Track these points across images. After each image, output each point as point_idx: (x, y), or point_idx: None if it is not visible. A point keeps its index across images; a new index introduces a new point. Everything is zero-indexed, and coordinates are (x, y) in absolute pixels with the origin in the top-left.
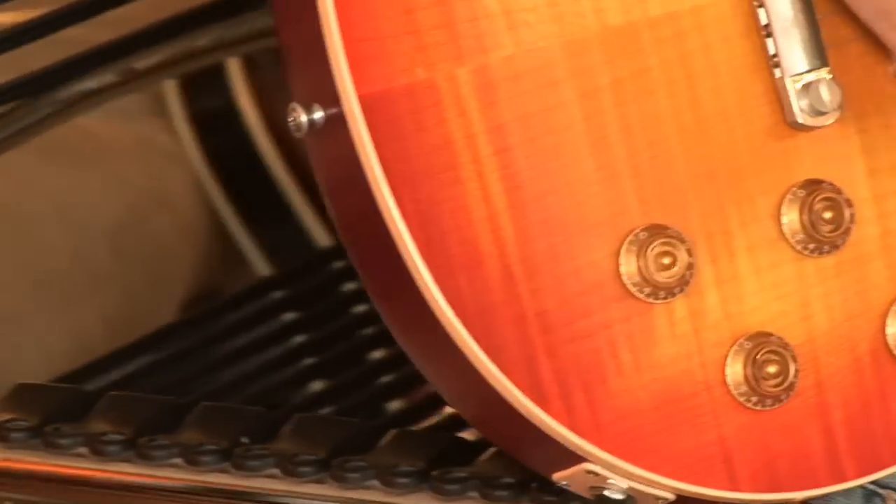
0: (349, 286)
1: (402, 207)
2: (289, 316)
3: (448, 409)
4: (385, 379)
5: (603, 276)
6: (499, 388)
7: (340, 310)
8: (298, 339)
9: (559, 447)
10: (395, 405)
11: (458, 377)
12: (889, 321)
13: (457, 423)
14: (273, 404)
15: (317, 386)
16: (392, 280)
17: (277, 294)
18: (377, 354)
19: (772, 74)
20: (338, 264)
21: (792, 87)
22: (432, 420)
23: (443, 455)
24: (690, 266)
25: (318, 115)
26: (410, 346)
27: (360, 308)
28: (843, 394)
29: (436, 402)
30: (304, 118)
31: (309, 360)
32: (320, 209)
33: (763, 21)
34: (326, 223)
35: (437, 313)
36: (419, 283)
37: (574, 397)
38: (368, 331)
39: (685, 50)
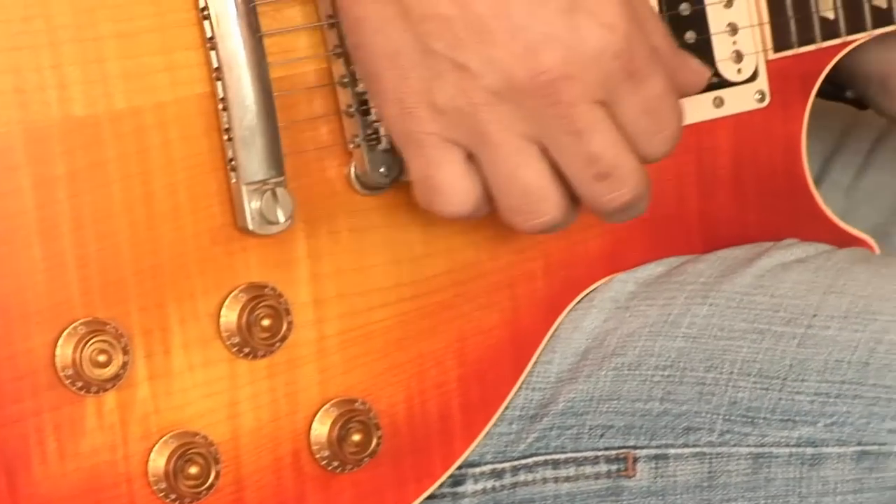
0: None
1: None
2: None
3: None
4: None
5: (38, 364)
6: None
7: None
8: None
9: None
10: None
11: None
12: (315, 424)
13: None
14: None
15: None
16: None
17: None
18: None
19: (228, 178)
20: None
21: (246, 194)
22: None
23: None
24: (125, 364)
25: None
26: None
27: None
28: (261, 492)
29: None
30: None
31: None
32: None
33: (224, 125)
34: None
35: None
36: None
37: None
38: None
39: (144, 145)
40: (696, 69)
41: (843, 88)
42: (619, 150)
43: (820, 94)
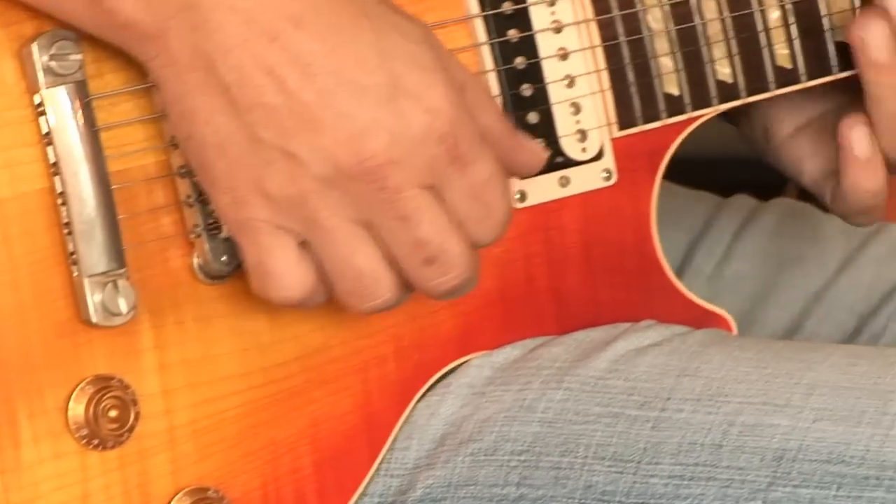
0: None
1: None
2: None
3: None
4: None
5: None
6: None
7: None
8: None
9: None
10: None
11: None
12: None
13: None
14: None
15: None
16: None
17: None
18: None
19: (70, 271)
20: None
21: (88, 287)
22: None
23: None
24: None
25: None
26: None
27: None
28: None
29: None
30: None
31: None
32: None
33: (64, 219)
34: None
35: None
36: None
37: None
38: None
39: None
40: (532, 150)
41: None
42: (446, 235)
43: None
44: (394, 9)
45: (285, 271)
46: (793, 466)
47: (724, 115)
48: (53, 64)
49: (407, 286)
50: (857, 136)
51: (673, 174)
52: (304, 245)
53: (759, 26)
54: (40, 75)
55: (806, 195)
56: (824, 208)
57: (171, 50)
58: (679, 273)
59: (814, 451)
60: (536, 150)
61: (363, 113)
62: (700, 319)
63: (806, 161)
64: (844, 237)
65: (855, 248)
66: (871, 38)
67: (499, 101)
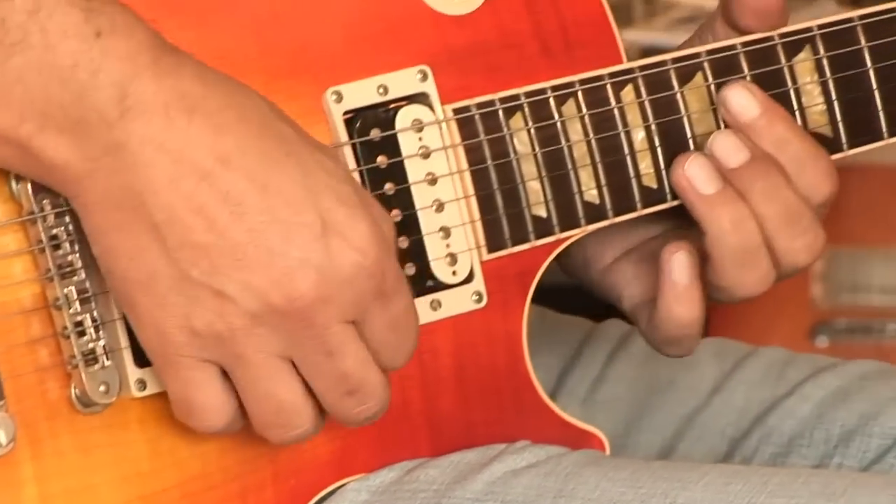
0: None
1: None
2: None
3: None
4: None
5: None
6: None
7: None
8: None
9: None
10: None
11: None
12: None
13: None
14: None
15: None
16: None
17: None
18: None
19: None
20: None
21: None
22: None
23: None
24: None
25: None
26: None
27: None
28: None
29: None
30: None
31: None
32: None
33: None
34: None
35: None
36: None
37: None
38: None
39: None
40: None
41: None
42: (366, 366)
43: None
44: (316, 145)
45: (208, 404)
46: None
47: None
48: None
49: (323, 417)
50: (677, 263)
51: (546, 300)
52: (225, 375)
53: (625, 148)
54: None
55: None
56: None
57: (98, 189)
58: (553, 396)
59: None
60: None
61: (293, 252)
62: (574, 439)
63: (626, 287)
64: (716, 361)
65: (727, 371)
66: (695, 174)
67: None
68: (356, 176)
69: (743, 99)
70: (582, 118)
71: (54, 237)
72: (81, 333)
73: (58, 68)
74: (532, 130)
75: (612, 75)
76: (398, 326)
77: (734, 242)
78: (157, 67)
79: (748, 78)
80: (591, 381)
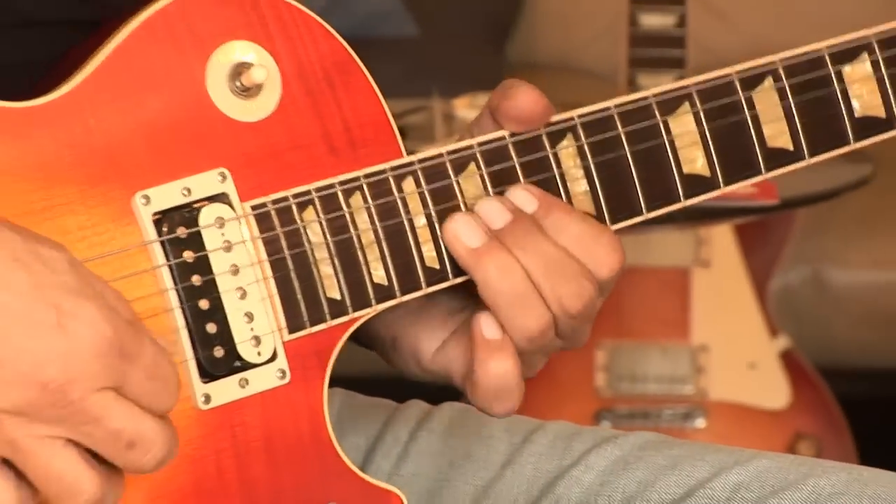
0: None
1: None
2: None
3: None
4: None
5: None
6: None
7: None
8: None
9: None
10: None
11: None
12: None
13: None
14: None
15: None
16: None
17: None
18: None
19: None
20: None
21: None
22: None
23: None
24: None
25: None
26: None
27: None
28: None
29: None
30: None
31: None
32: None
33: None
34: None
35: None
36: None
37: None
38: None
39: None
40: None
41: None
42: (136, 418)
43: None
44: (36, 239)
45: None
46: None
47: (383, 355)
48: None
49: (114, 476)
50: (484, 321)
51: (354, 387)
52: (7, 463)
53: (409, 233)
54: None
55: None
56: None
57: None
58: (362, 470)
59: None
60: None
61: (36, 345)
62: (377, 499)
63: (453, 364)
64: (508, 434)
65: (517, 444)
66: (461, 229)
67: (179, 313)
68: (165, 271)
69: (521, 196)
70: (368, 208)
71: None
72: None
73: None
74: (323, 222)
75: (393, 168)
76: (154, 374)
77: (503, 288)
78: None
79: (517, 165)
80: (396, 457)
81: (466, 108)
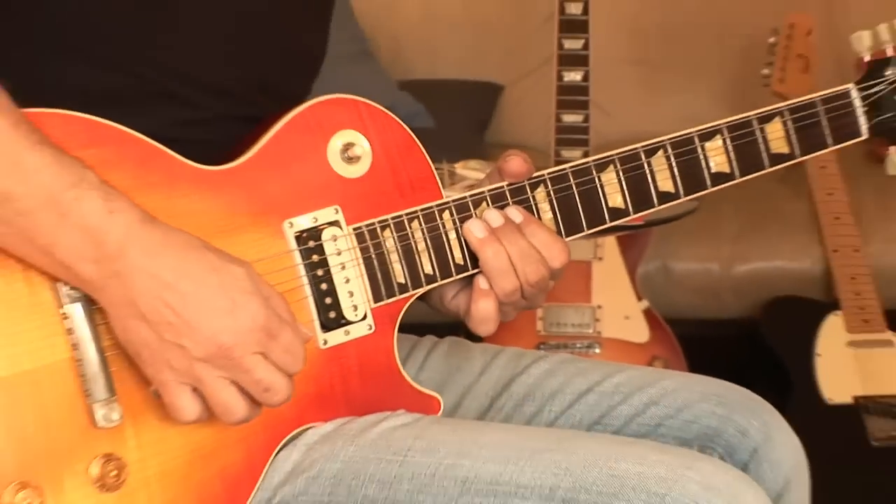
0: None
1: None
2: None
3: None
4: None
5: None
6: None
7: None
8: None
9: None
10: None
11: None
12: None
13: None
14: None
15: None
16: None
17: None
18: None
19: (85, 398)
20: None
21: (97, 408)
22: None
23: None
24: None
25: None
26: None
27: None
28: None
29: None
30: None
31: None
32: None
33: (81, 372)
34: None
35: None
36: None
37: None
38: None
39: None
40: (301, 330)
41: None
42: (272, 374)
43: None
44: (228, 258)
45: (185, 406)
46: (472, 487)
47: (427, 302)
48: None
49: (255, 406)
50: (480, 279)
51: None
52: (195, 390)
53: (447, 245)
54: None
55: (468, 335)
56: (470, 336)
57: (110, 295)
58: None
59: (483, 477)
60: (305, 330)
61: (218, 322)
62: (424, 401)
63: (461, 306)
64: (482, 355)
65: (488, 360)
66: (473, 226)
67: (309, 290)
68: (302, 267)
69: (512, 212)
70: (421, 228)
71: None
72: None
73: (90, 229)
74: (395, 236)
75: (437, 205)
76: (288, 349)
77: (494, 264)
78: (143, 226)
79: (510, 202)
80: (417, 368)
81: (462, 168)
